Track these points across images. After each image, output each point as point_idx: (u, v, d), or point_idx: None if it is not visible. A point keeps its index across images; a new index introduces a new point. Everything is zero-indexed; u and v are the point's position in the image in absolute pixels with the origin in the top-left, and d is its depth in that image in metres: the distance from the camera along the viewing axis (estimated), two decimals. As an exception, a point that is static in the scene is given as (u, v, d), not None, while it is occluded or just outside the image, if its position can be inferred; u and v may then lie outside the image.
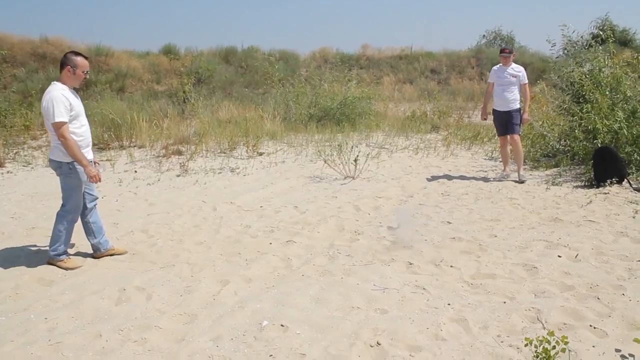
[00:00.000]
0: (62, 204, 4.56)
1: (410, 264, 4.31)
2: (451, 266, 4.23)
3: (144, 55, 23.61)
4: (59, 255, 4.51)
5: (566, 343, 2.65)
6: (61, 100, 4.20)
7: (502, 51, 7.74)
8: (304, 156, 9.63)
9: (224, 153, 9.89)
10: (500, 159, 8.28)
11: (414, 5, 66.54)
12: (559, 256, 4.32)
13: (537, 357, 2.69)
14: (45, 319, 3.49)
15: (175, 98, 16.90)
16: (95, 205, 4.78)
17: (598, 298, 3.48)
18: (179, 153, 9.71)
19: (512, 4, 62.60)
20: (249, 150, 9.69)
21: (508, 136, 7.57)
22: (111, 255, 4.74)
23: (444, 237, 4.99)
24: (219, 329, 3.26)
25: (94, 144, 10.81)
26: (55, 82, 4.36)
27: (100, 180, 4.46)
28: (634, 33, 29.14)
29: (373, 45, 31.35)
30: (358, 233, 5.23)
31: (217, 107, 14.83)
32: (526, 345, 2.72)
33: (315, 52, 30.89)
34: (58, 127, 4.16)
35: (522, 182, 7.29)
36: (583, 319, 3.20)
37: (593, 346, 2.88)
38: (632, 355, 2.77)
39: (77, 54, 4.43)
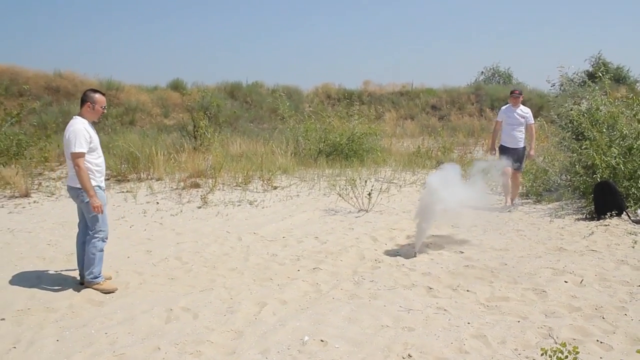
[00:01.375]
0: (89, 229, 4.90)
1: (430, 288, 4.72)
2: (467, 290, 4.63)
3: (152, 90, 24.28)
4: (96, 277, 4.85)
5: (577, 353, 3.05)
6: (82, 133, 4.63)
7: (512, 93, 8.44)
8: (316, 190, 10.07)
9: (240, 186, 10.33)
10: (502, 193, 8.74)
11: (414, 42, 68.12)
12: (566, 281, 4.73)
13: (552, 365, 3.09)
14: (106, 333, 3.88)
15: (185, 132, 17.48)
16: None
17: (603, 317, 3.89)
18: (197, 186, 10.15)
19: (509, 41, 64.21)
20: (264, 184, 10.14)
21: (512, 171, 8.07)
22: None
23: (457, 264, 5.41)
24: (265, 344, 3.65)
25: (113, 176, 11.31)
26: (76, 116, 4.81)
27: (102, 212, 4.79)
28: (628, 70, 30.04)
29: (374, 81, 32.14)
30: (378, 261, 5.63)
31: (227, 142, 15.36)
32: (542, 354, 3.12)
33: (318, 87, 31.60)
34: (76, 156, 4.59)
35: (511, 210, 8.09)
36: (590, 335, 3.60)
37: (600, 357, 3.28)
38: (635, 365, 3.17)
39: (96, 91, 4.91)
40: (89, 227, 4.91)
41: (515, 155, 8.19)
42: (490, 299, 4.43)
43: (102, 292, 4.79)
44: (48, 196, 9.72)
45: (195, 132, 16.37)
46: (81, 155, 4.61)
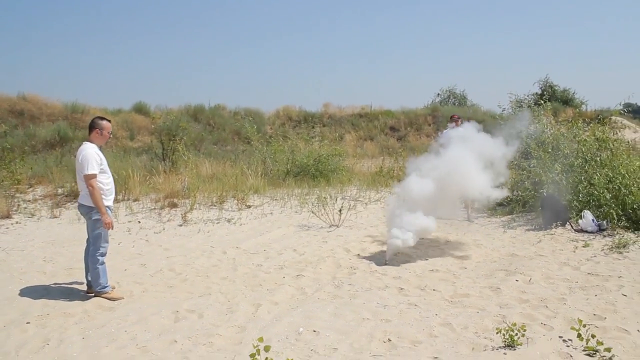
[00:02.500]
0: (91, 245, 5.36)
1: (402, 288, 5.44)
2: (433, 289, 5.38)
3: (116, 113, 24.50)
4: (104, 288, 5.37)
5: (525, 330, 3.82)
6: (94, 157, 5.17)
7: (452, 117, 9.62)
8: (288, 208, 10.72)
9: (215, 206, 10.88)
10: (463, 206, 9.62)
11: (373, 65, 70.05)
12: (517, 280, 5.54)
13: (505, 342, 3.84)
14: (125, 331, 4.43)
15: (154, 154, 17.88)
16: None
17: (547, 306, 4.70)
18: (175, 206, 10.65)
19: (464, 65, 66.78)
20: (238, 204, 10.73)
21: None
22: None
23: (424, 269, 6.16)
24: (266, 335, 4.27)
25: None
26: (86, 142, 5.33)
27: (112, 228, 5.36)
28: (574, 93, 32.12)
29: (334, 103, 33.03)
30: (353, 268, 6.32)
31: (196, 164, 15.85)
32: (497, 333, 3.87)
33: (279, 110, 32.26)
34: (90, 177, 5.10)
35: (471, 221, 8.98)
36: (536, 320, 4.38)
37: (543, 335, 4.06)
38: (570, 340, 3.95)
39: (103, 118, 5.46)
40: (91, 243, 5.38)
41: None
42: (453, 296, 5.18)
43: (111, 300, 5.30)
44: (29, 217, 10.05)
45: (164, 155, 16.84)
46: (94, 176, 5.13)
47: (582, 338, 3.78)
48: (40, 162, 16.43)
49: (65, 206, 10.79)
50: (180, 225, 9.14)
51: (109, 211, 5.32)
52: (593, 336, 3.77)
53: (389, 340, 4.13)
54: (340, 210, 8.89)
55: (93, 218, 5.26)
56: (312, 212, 9.28)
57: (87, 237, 5.53)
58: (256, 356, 3.05)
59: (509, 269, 5.98)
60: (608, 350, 3.67)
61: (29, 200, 11.53)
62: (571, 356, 3.70)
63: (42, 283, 5.91)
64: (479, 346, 3.96)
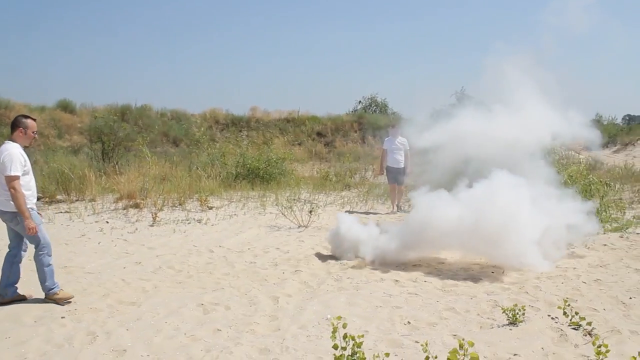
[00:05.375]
0: (34, 247, 5.20)
1: (397, 281, 6.11)
2: (425, 281, 6.10)
3: (41, 110, 23.47)
4: (52, 289, 5.24)
5: (525, 309, 4.62)
6: (18, 157, 4.92)
7: (392, 127, 11.72)
8: (248, 209, 11.11)
9: (176, 207, 11.07)
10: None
11: (298, 70, 70.60)
12: (492, 272, 6.38)
13: (509, 320, 4.62)
14: (165, 322, 4.75)
15: (92, 154, 17.48)
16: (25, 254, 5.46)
17: (527, 292, 5.55)
18: (137, 206, 10.72)
19: (386, 73, 68.95)
20: (202, 205, 10.98)
21: (396, 185, 11.12)
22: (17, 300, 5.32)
23: (406, 265, 6.84)
24: (299, 322, 4.77)
25: (39, 198, 11.51)
26: (8, 141, 5.08)
27: (35, 233, 5.05)
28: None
29: (261, 107, 33.35)
30: (343, 265, 6.90)
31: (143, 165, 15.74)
32: (503, 312, 4.64)
33: (206, 112, 32.09)
34: (11, 179, 4.84)
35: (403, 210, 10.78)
36: (522, 303, 5.18)
37: (535, 314, 4.87)
38: (557, 317, 4.78)
39: (27, 117, 5.19)
40: (35, 247, 5.21)
41: (398, 173, 11.25)
42: (444, 286, 5.92)
43: (61, 300, 5.22)
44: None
45: (104, 155, 16.56)
46: (17, 178, 4.87)
47: (567, 315, 4.63)
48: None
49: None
50: (152, 225, 9.30)
51: (34, 212, 5.15)
52: (576, 313, 4.62)
53: (409, 322, 4.77)
54: (310, 212, 9.44)
55: (20, 223, 5.06)
56: (282, 213, 9.74)
57: (9, 243, 5.36)
58: (337, 332, 3.55)
59: (481, 263, 6.82)
60: (589, 324, 4.52)
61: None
62: (562, 330, 4.52)
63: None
64: (486, 324, 4.70)
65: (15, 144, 5.06)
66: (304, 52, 72.73)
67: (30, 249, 5.37)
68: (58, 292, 5.29)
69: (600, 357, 3.43)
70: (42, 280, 5.26)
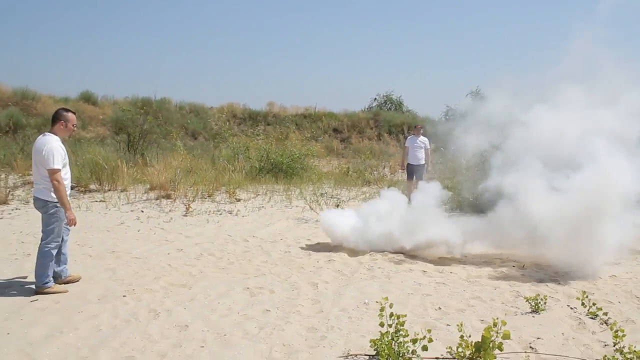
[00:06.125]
0: (42, 239, 5.33)
1: (425, 271, 6.56)
2: (451, 272, 6.54)
3: (65, 101, 24.09)
4: (47, 283, 5.31)
5: (547, 298, 5.05)
6: (58, 150, 5.15)
7: (416, 127, 12.40)
8: (274, 202, 11.60)
9: (206, 198, 11.57)
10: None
11: (315, 66, 70.82)
12: (513, 266, 6.81)
13: (532, 308, 5.05)
14: (218, 303, 5.23)
15: (118, 145, 18.03)
16: (67, 238, 5.69)
17: (547, 285, 5.98)
18: (169, 197, 11.23)
19: (401, 70, 69.02)
20: (230, 197, 11.48)
21: (414, 180, 11.51)
22: (67, 282, 5.61)
23: (433, 257, 7.29)
24: (340, 305, 5.23)
25: (73, 187, 12.12)
26: (48, 133, 5.27)
27: (75, 224, 5.35)
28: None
29: (278, 102, 33.82)
30: (372, 255, 7.35)
31: (165, 156, 16.28)
32: (526, 301, 5.08)
33: (224, 106, 32.60)
34: (54, 172, 5.07)
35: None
36: (543, 294, 5.61)
37: (555, 304, 5.31)
38: (575, 307, 5.21)
39: (68, 110, 5.43)
40: (43, 237, 5.33)
41: (418, 170, 11.91)
42: (469, 277, 6.37)
43: (53, 294, 5.28)
44: (24, 204, 10.31)
45: (129, 146, 17.11)
46: (58, 171, 5.11)
47: (585, 306, 5.06)
48: (-3, 148, 16.23)
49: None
50: (185, 215, 9.80)
51: (59, 208, 5.30)
52: (593, 304, 5.05)
53: (439, 308, 5.22)
54: (337, 206, 9.89)
55: (49, 212, 5.28)
56: (310, 206, 10.21)
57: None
58: (384, 310, 4.00)
59: (502, 257, 7.25)
60: (605, 314, 4.95)
61: (5, 187, 11.61)
62: (580, 318, 4.95)
63: (97, 264, 6.50)
64: (510, 312, 5.14)
65: (55, 136, 5.27)
66: (320, 48, 73.05)
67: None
68: (52, 286, 5.36)
69: (617, 340, 3.87)
70: (40, 273, 5.29)
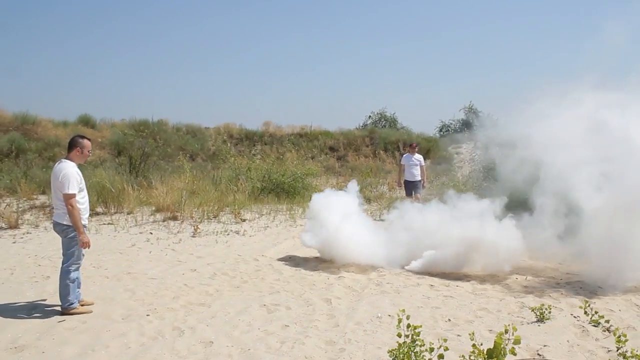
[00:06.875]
0: (63, 262, 5.58)
1: (432, 285, 6.83)
2: (457, 286, 6.81)
3: (64, 125, 24.33)
4: (72, 304, 5.53)
5: (551, 308, 5.33)
6: (74, 176, 5.37)
7: (411, 145, 13.06)
8: (279, 222, 11.85)
9: (211, 219, 11.81)
10: None
11: (310, 85, 71.33)
12: (516, 278, 7.10)
13: (537, 317, 5.33)
14: (239, 319, 5.46)
15: (119, 167, 18.27)
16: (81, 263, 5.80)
17: (550, 295, 6.26)
18: (175, 218, 11.47)
19: (394, 88, 69.69)
20: (235, 217, 11.73)
21: (412, 196, 12.22)
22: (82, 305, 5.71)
23: (437, 271, 7.57)
24: (355, 319, 5.48)
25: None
26: (64, 160, 5.50)
27: (89, 247, 5.58)
28: (497, 119, 35.27)
29: (274, 122, 34.16)
30: (380, 272, 7.62)
31: (167, 179, 16.53)
32: (532, 311, 5.35)
33: (220, 127, 32.93)
34: (69, 197, 5.30)
35: None
36: (546, 304, 5.89)
37: (558, 313, 5.58)
38: (578, 316, 5.49)
39: (83, 137, 5.66)
40: (64, 261, 5.59)
41: (414, 186, 12.65)
42: (474, 290, 6.64)
43: (77, 315, 5.49)
44: (34, 227, 10.53)
45: (131, 169, 17.35)
46: (73, 196, 5.34)
47: (588, 314, 5.34)
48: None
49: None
50: (193, 236, 10.03)
51: (85, 230, 5.54)
52: (596, 312, 5.33)
53: (449, 320, 5.49)
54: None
55: (69, 236, 5.50)
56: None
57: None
58: (401, 322, 4.26)
59: (504, 270, 7.52)
60: (607, 322, 5.23)
61: (15, 212, 11.81)
62: (583, 326, 5.23)
63: (115, 285, 6.72)
64: (517, 321, 5.41)
65: (71, 162, 5.49)
66: (316, 68, 73.58)
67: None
68: (77, 307, 5.58)
69: (620, 344, 4.15)
70: (64, 294, 5.51)
